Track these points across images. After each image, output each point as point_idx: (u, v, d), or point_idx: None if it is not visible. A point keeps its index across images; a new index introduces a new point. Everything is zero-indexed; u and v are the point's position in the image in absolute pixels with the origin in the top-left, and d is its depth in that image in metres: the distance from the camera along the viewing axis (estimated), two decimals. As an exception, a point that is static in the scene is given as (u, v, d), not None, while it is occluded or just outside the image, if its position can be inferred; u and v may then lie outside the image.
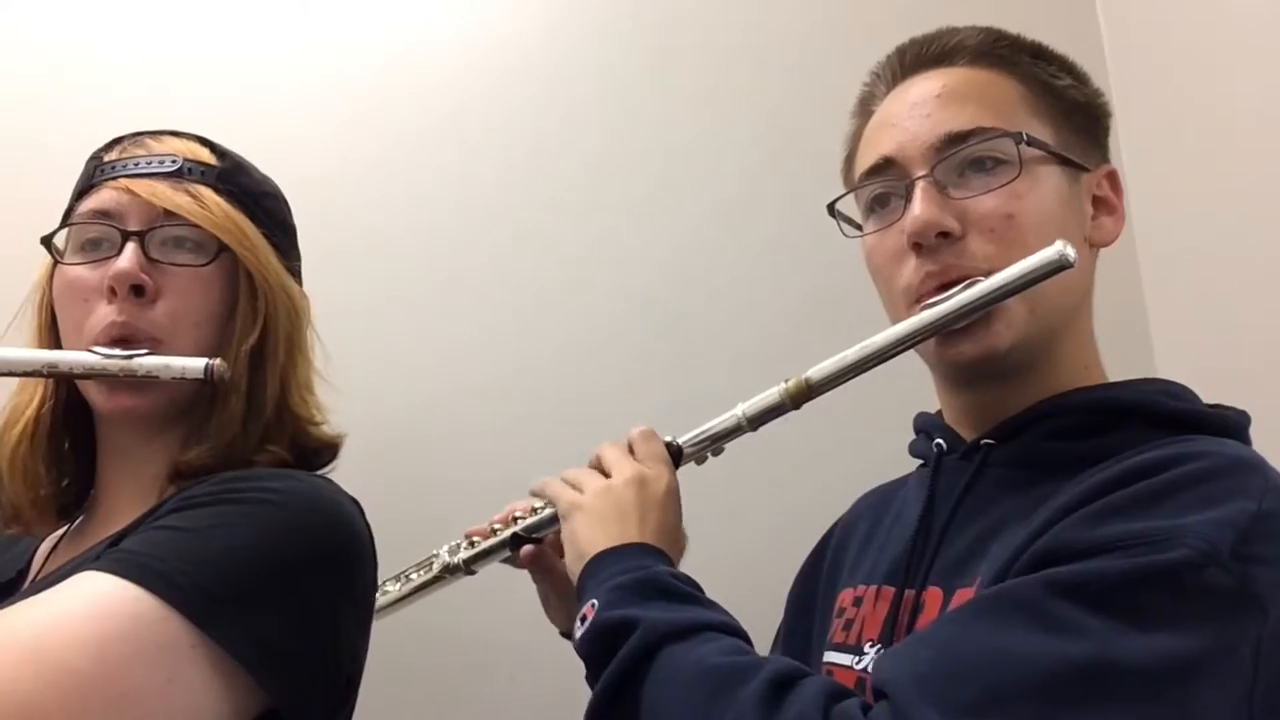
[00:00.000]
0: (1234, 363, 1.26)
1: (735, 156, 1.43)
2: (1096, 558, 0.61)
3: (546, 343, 1.38)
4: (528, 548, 0.94)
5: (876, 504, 0.96)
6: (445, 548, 0.99)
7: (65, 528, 0.90)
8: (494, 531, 0.96)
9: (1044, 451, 0.77)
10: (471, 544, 0.97)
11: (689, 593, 0.75)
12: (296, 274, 0.94)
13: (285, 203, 0.95)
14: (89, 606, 0.64)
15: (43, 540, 0.91)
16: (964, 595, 0.72)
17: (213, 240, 0.84)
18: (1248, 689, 0.60)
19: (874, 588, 0.83)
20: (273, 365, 0.86)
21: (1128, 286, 1.43)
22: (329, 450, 0.91)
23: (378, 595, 0.93)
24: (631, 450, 0.88)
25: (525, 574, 0.98)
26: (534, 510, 0.94)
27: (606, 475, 0.86)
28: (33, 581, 0.85)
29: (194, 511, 0.73)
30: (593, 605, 0.75)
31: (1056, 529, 0.65)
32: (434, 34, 1.45)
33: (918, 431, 0.92)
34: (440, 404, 1.35)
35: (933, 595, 0.76)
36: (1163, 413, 0.75)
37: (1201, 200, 1.34)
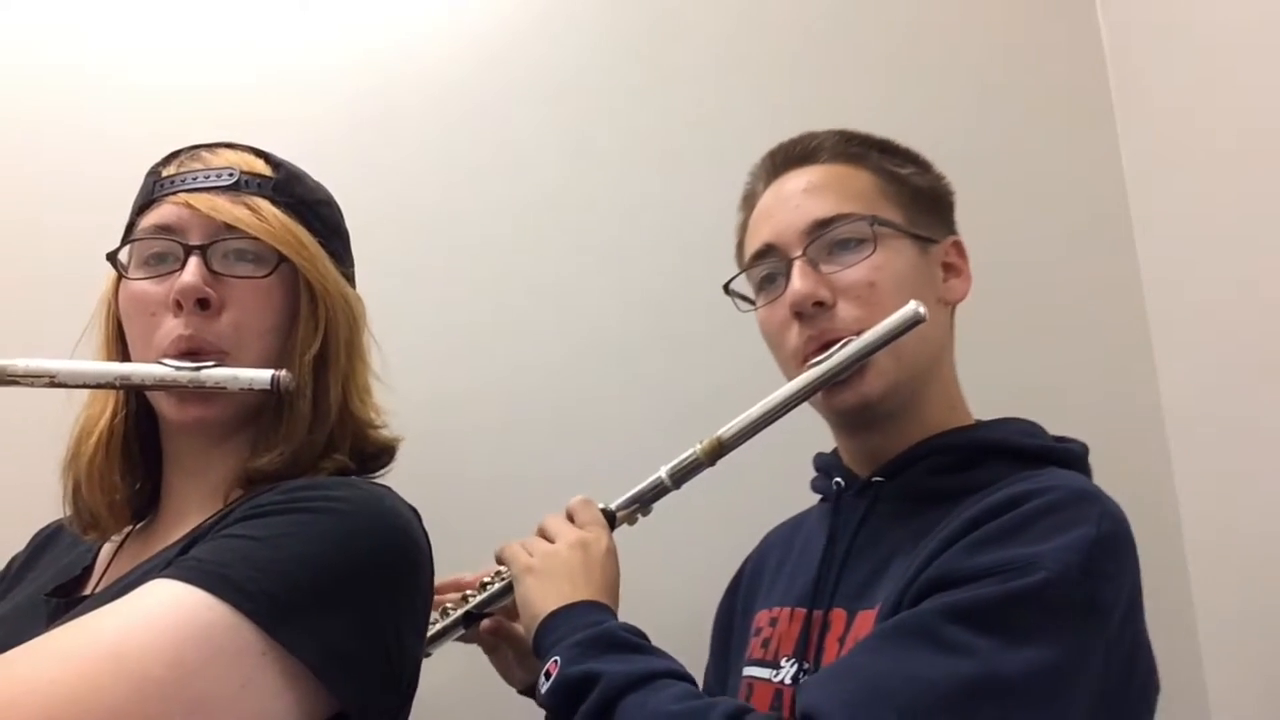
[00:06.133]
0: (1234, 369, 1.26)
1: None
2: (975, 583, 0.75)
3: (565, 345, 1.39)
4: (486, 622, 1.03)
5: (785, 536, 1.09)
6: None
7: (129, 529, 0.91)
8: (445, 613, 1.02)
9: (926, 486, 0.91)
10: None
11: (639, 644, 0.85)
12: (351, 279, 0.95)
13: (338, 209, 0.96)
14: (164, 615, 0.65)
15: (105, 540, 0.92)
16: (866, 616, 0.85)
17: (272, 252, 0.86)
18: (1102, 688, 0.75)
19: (787, 609, 0.96)
20: (335, 371, 0.87)
21: (1128, 288, 1.42)
22: (387, 454, 0.93)
23: None
24: (571, 518, 0.97)
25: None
26: (483, 586, 1.01)
27: (551, 542, 0.95)
28: (98, 583, 0.87)
29: (262, 520, 0.74)
30: (555, 661, 0.83)
31: (940, 559, 0.79)
32: (438, 36, 1.45)
33: (818, 470, 1.06)
34: (444, 406, 1.35)
35: (837, 616, 0.89)
36: (1020, 449, 0.91)
37: (1201, 204, 1.33)
